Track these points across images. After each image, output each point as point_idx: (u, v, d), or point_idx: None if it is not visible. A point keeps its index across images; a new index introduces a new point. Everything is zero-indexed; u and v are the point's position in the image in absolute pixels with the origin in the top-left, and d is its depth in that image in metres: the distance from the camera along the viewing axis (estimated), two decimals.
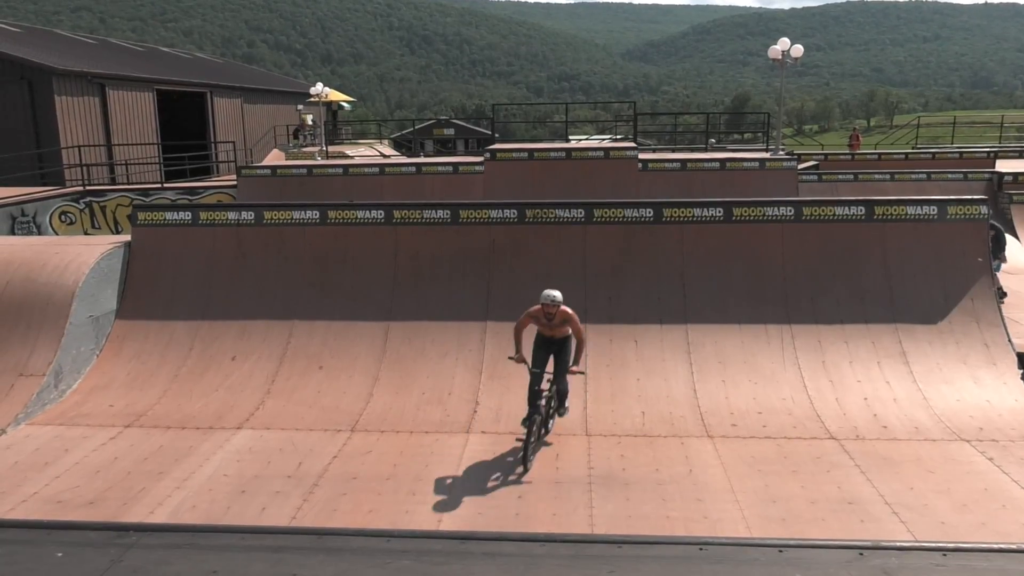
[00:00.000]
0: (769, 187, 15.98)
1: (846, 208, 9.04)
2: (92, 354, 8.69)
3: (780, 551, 2.29)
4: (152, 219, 9.80)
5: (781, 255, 8.98)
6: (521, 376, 8.24)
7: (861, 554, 2.26)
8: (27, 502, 6.06)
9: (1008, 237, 13.50)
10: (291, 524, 5.55)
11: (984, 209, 8.94)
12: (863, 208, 9.00)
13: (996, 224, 10.58)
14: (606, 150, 18.56)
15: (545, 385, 6.96)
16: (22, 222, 16.64)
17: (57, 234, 17.08)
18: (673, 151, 26.21)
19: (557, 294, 6.93)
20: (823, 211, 9.07)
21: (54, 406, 8.00)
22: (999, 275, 10.23)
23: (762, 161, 18.08)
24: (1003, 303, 9.30)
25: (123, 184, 21.58)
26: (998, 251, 10.43)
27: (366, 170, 19.21)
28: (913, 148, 27.44)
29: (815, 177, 19.08)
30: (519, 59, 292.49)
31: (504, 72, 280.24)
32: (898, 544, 2.30)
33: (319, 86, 31.97)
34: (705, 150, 24.74)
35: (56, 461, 6.83)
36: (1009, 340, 8.26)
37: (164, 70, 31.93)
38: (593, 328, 8.53)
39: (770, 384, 8.02)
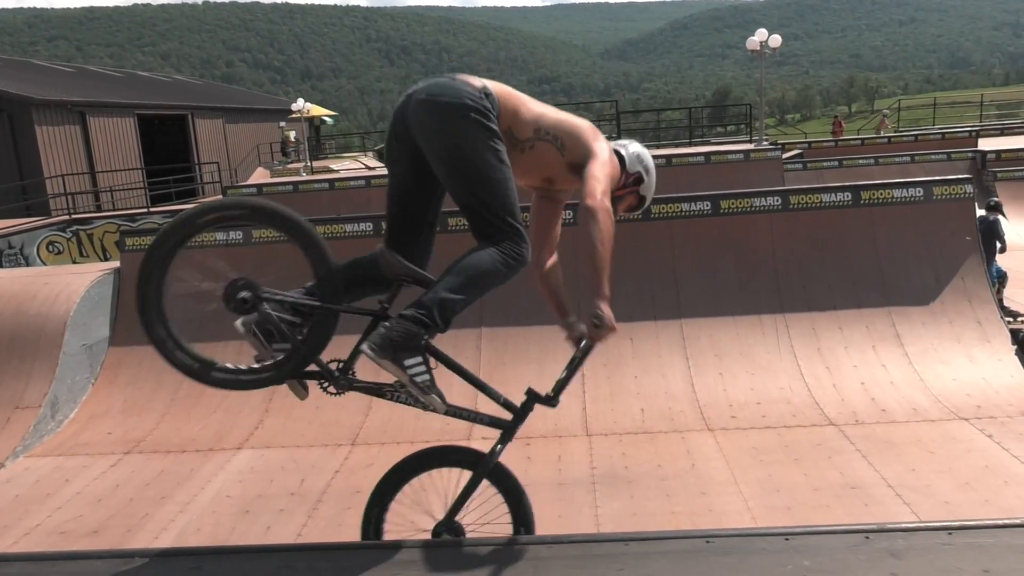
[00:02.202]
0: (755, 178, 16.03)
1: (833, 195, 9.08)
2: (87, 383, 8.65)
3: (786, 539, 2.30)
4: (140, 244, 9.77)
5: (771, 245, 9.01)
6: (518, 382, 8.22)
7: (867, 537, 2.26)
8: (30, 535, 6.03)
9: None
10: (297, 542, 5.53)
11: (969, 188, 8.99)
12: (849, 194, 9.04)
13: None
14: None
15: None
16: (9, 254, 16.58)
17: (45, 264, 17.02)
18: (657, 147, 26.30)
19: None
20: (810, 199, 9.11)
21: (52, 437, 7.96)
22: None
23: (746, 153, 18.19)
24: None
25: (109, 211, 21.55)
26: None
27: (352, 183, 19.20)
28: (896, 131, 27.58)
29: (800, 166, 19.18)
30: (499, 64, 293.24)
31: (484, 78, 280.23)
32: (903, 526, 2.31)
33: (300, 102, 31.97)
34: (689, 144, 24.82)
35: (57, 492, 6.79)
36: (1002, 317, 8.30)
37: (144, 95, 31.88)
38: None
39: (767, 374, 8.04)
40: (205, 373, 2.74)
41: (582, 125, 3.10)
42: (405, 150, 2.97)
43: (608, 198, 2.94)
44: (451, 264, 2.88)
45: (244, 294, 2.84)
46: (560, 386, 3.19)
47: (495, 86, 3.01)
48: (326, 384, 3.02)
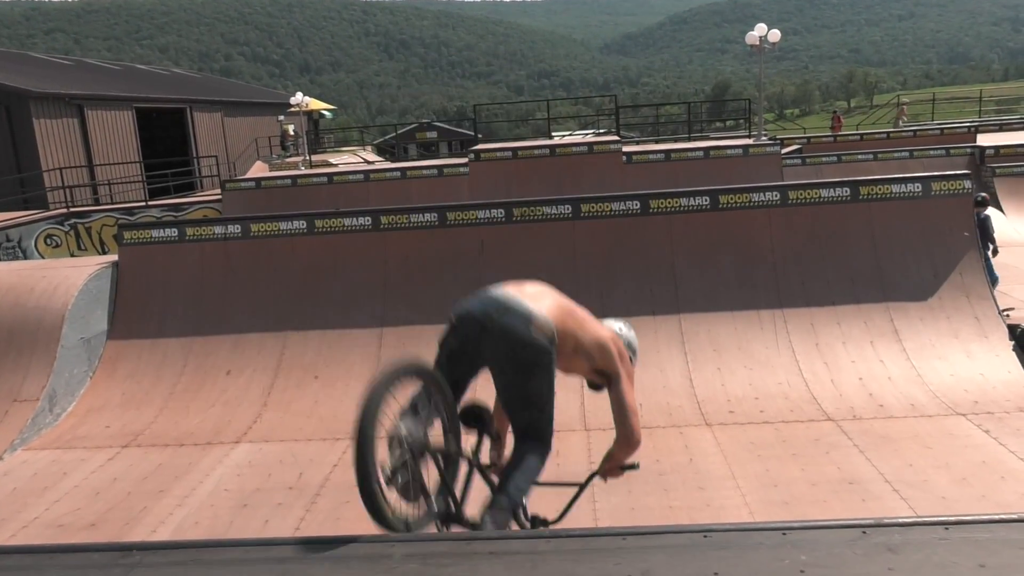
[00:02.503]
0: (753, 173, 16.03)
1: (831, 190, 9.07)
2: (85, 376, 8.64)
3: (784, 534, 2.30)
4: (138, 237, 9.76)
5: (769, 240, 9.01)
6: None
7: (864, 532, 2.27)
8: (28, 528, 6.03)
9: (993, 210, 13.54)
10: (295, 535, 5.54)
11: (968, 183, 9.00)
12: (848, 189, 9.04)
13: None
14: (590, 145, 18.61)
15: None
16: (7, 247, 16.55)
17: (43, 257, 16.98)
18: (656, 142, 26.28)
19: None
20: (809, 194, 9.10)
21: (50, 430, 7.96)
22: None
23: (745, 147, 18.16)
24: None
25: (107, 204, 21.51)
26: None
27: (351, 177, 19.22)
28: (894, 127, 27.56)
29: (799, 161, 19.17)
30: (498, 58, 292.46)
31: (484, 72, 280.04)
32: (900, 521, 2.31)
33: (299, 96, 31.89)
34: (688, 139, 24.80)
35: (55, 485, 6.79)
36: (999, 313, 8.30)
37: (142, 88, 31.81)
38: None
39: (765, 369, 8.05)
40: (407, 527, 2.89)
41: (608, 340, 3.76)
42: (468, 361, 3.63)
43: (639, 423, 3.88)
44: (518, 463, 3.50)
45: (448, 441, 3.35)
46: (565, 510, 3.76)
47: (556, 317, 3.46)
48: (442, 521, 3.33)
